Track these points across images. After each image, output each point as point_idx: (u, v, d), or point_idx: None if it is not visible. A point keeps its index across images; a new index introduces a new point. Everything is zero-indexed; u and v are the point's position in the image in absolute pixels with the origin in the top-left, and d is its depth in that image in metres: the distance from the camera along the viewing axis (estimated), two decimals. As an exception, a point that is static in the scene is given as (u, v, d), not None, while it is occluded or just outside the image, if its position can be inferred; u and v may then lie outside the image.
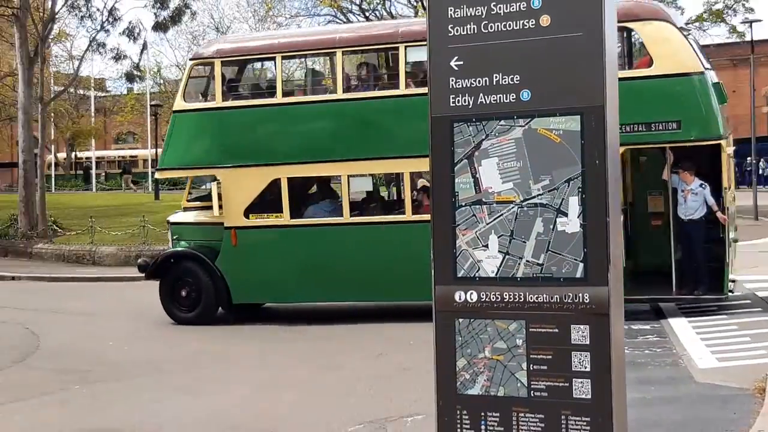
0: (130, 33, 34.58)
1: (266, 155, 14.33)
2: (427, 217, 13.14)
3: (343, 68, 14.09)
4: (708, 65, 13.21)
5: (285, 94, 14.66)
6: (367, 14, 36.01)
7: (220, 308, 14.79)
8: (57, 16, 33.84)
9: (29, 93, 28.98)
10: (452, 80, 4.71)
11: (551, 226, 4.50)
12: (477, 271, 4.62)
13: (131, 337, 14.09)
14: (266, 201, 14.45)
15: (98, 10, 34.46)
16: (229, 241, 14.53)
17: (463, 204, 4.66)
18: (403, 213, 13.91)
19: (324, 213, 14.44)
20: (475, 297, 4.62)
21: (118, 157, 70.65)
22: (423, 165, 13.06)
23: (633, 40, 14.11)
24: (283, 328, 14.34)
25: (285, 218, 14.21)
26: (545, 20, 4.55)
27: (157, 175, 16.58)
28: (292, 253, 14.20)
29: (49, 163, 56.99)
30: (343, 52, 14.03)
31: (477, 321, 4.60)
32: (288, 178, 14.17)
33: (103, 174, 64.55)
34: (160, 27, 34.36)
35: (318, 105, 14.41)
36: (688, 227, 13.31)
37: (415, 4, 34.99)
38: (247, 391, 10.14)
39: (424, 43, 4.81)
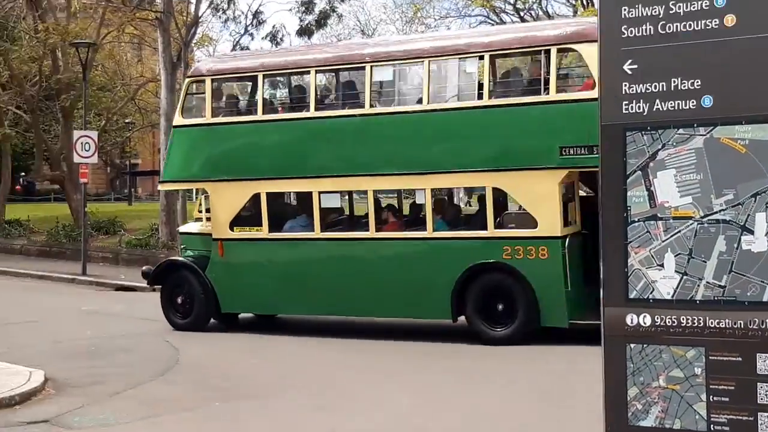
0: (274, 37, 35.62)
1: (247, 170, 15.74)
2: (389, 234, 14.63)
3: (315, 87, 15.37)
4: None
5: (266, 111, 15.93)
6: (521, 14, 35.85)
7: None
8: (200, 20, 35.24)
9: (171, 99, 30.17)
10: (625, 85, 4.66)
11: (735, 245, 4.39)
12: (651, 293, 4.52)
13: (264, 351, 14.43)
14: (249, 214, 15.84)
15: (242, 13, 35.62)
16: (216, 252, 16.11)
17: (636, 219, 4.59)
18: (368, 230, 15.03)
19: (299, 228, 15.63)
20: (648, 320, 4.53)
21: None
22: (385, 183, 14.84)
23: (570, 61, 14.81)
24: (410, 344, 14.68)
25: (264, 232, 15.66)
26: (730, 20, 4.45)
27: (159, 187, 18.09)
28: (271, 266, 15.59)
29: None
30: (315, 71, 15.39)
31: (651, 347, 4.50)
32: (267, 193, 15.56)
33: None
34: (305, 32, 35.21)
35: (292, 122, 15.56)
36: None
37: (573, 2, 34.62)
38: (403, 409, 10.28)
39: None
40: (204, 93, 16.24)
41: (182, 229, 18.17)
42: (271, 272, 15.64)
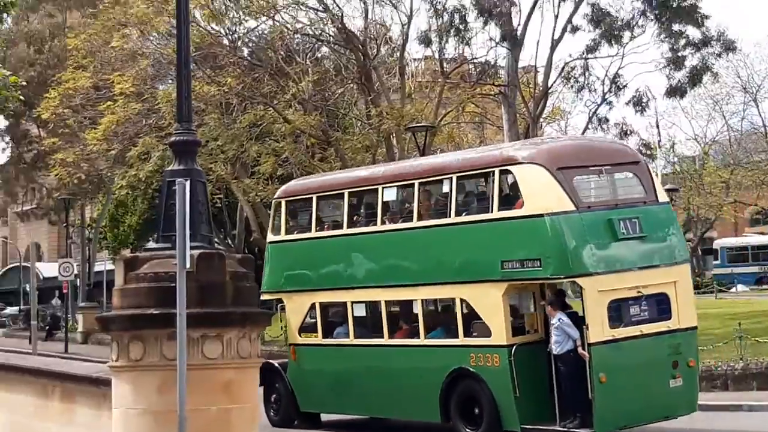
0: (638, 103, 35.15)
1: (307, 282, 20.04)
2: (402, 341, 18.58)
3: (348, 207, 19.58)
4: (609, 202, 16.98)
5: (318, 229, 20.23)
6: None
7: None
8: (550, 91, 35.67)
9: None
10: None
11: None
12: None
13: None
14: (312, 322, 20.01)
15: (598, 78, 35.65)
16: (290, 356, 20.36)
17: None
18: (382, 336, 18.83)
19: (343, 335, 19.49)
20: None
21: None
22: (391, 294, 18.68)
23: (509, 182, 17.22)
24: None
25: (319, 338, 19.78)
26: None
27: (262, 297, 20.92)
28: (326, 368, 19.44)
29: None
30: (348, 193, 19.64)
31: None
32: (320, 302, 19.64)
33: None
34: (674, 92, 34.50)
35: (332, 239, 19.89)
36: (556, 361, 16.44)
37: None
38: None
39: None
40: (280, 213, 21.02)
41: None
42: (327, 374, 19.45)
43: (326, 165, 36.50)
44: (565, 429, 16.21)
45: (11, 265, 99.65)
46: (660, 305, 17.00)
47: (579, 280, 16.33)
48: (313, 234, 20.14)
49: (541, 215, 16.35)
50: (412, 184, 18.50)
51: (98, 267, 66.62)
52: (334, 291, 19.52)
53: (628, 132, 37.73)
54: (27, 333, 46.62)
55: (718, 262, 61.94)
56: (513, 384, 16.51)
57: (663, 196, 17.86)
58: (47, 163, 47.89)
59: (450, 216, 17.68)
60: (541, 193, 16.54)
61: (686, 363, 17.03)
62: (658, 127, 56.02)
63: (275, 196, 21.69)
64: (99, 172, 46.90)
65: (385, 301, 18.76)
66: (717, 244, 63.94)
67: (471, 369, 17.06)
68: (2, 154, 68.67)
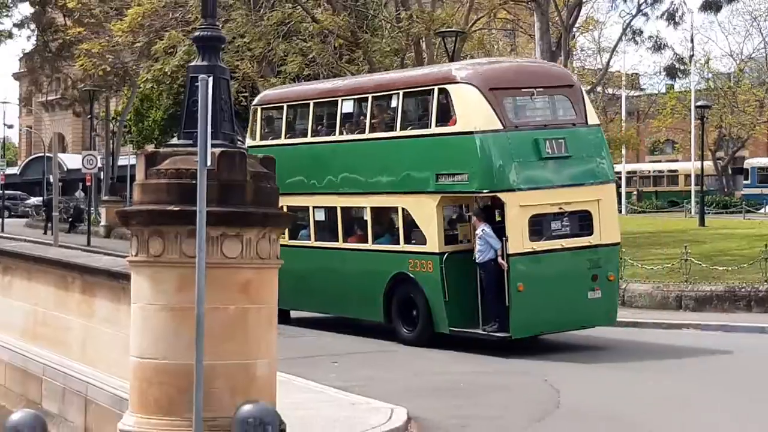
0: (671, 16, 34.72)
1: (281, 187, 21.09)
2: (354, 245, 20.40)
3: (313, 117, 21.36)
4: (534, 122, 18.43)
5: (287, 136, 21.91)
6: None
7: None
8: (584, 1, 35.22)
9: (550, 94, 30.35)
10: None
11: None
12: None
13: (668, 400, 14.12)
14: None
15: (636, -12, 35.07)
16: None
17: None
18: (338, 240, 20.84)
19: (305, 237, 21.37)
20: None
21: (654, 171, 71.51)
22: (347, 201, 20.43)
23: (448, 100, 18.49)
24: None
25: (286, 239, 19.38)
26: None
27: None
28: (292, 268, 17.96)
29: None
30: (314, 103, 21.59)
31: None
32: (287, 206, 18.48)
33: (635, 192, 65.71)
34: (710, 6, 34.00)
35: (301, 147, 21.48)
36: (479, 269, 17.95)
37: None
38: None
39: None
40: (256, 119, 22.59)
41: None
42: (290, 274, 18.64)
43: (354, 67, 36.26)
44: (486, 332, 17.89)
45: (35, 156, 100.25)
46: (582, 221, 18.42)
47: (501, 195, 17.80)
48: (282, 141, 21.76)
49: (470, 132, 17.97)
50: (366, 98, 20.17)
51: (122, 161, 66.90)
52: (299, 196, 20.73)
53: (662, 46, 37.28)
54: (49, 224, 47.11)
55: (748, 182, 61.58)
56: (443, 289, 18.27)
57: (593, 119, 19.31)
58: (72, 53, 47.86)
59: (396, 130, 19.49)
60: (471, 112, 18.11)
61: (606, 277, 18.43)
62: (692, 41, 55.24)
63: (253, 103, 23.09)
64: (124, 65, 46.84)
65: (341, 207, 20.53)
66: (748, 163, 63.52)
67: (410, 274, 18.83)
68: (27, 42, 68.62)
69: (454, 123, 18.26)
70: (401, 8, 33.97)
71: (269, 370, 9.84)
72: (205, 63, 10.07)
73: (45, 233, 49.61)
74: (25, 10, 58.98)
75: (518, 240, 17.49)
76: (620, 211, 55.29)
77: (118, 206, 41.54)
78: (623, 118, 61.19)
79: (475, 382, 15.53)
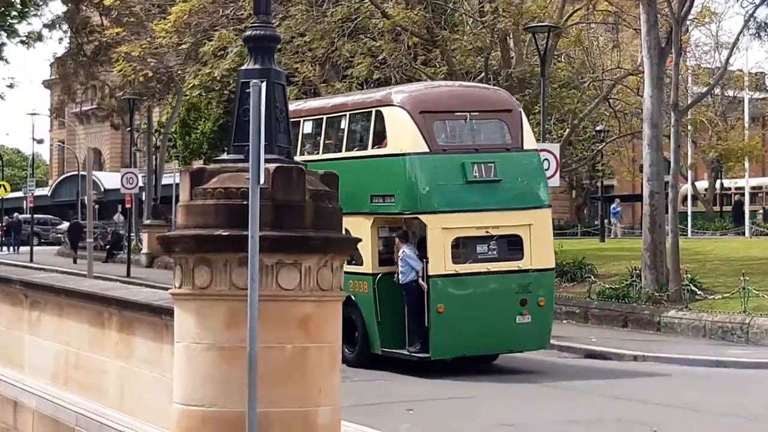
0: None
1: None
2: None
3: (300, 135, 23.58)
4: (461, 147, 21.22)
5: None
6: None
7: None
8: (699, -13, 34.88)
9: (659, 98, 30.05)
10: None
11: None
12: None
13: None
14: None
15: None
16: None
17: None
18: None
19: None
20: None
21: (783, 186, 70.43)
22: None
23: (382, 123, 21.49)
24: None
25: None
26: None
27: None
28: None
29: (685, 196, 58.38)
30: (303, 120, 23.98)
31: None
32: None
33: (761, 211, 64.80)
34: None
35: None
36: (402, 290, 20.77)
37: None
38: None
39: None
40: None
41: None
42: None
43: (430, 69, 36.37)
44: (409, 354, 20.60)
45: (68, 174, 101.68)
46: (511, 246, 21.01)
47: (422, 217, 20.63)
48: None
49: (398, 155, 20.97)
50: (321, 120, 23.59)
51: (166, 179, 67.64)
52: None
53: (791, 40, 36.78)
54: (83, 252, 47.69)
55: None
56: (376, 310, 21.22)
57: (530, 144, 21.85)
58: (110, 57, 48.55)
59: (342, 151, 22.65)
60: (400, 135, 21.14)
61: (537, 302, 20.85)
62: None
63: None
64: (168, 70, 47.47)
65: None
66: None
67: (351, 295, 20.73)
68: (59, 45, 69.63)
69: (386, 145, 21.42)
70: (485, 0, 33.96)
71: (332, 419, 9.88)
72: (257, 66, 10.16)
73: (75, 262, 50.26)
74: (57, 8, 59.99)
75: (440, 262, 20.19)
76: (743, 233, 54.76)
77: (162, 231, 41.95)
78: (746, 124, 60.39)
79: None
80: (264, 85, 9.25)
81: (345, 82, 35.85)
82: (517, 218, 20.85)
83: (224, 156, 10.47)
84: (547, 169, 26.76)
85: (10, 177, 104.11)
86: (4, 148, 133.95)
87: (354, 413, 14.31)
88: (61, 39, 62.18)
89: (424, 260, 20.30)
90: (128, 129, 59.78)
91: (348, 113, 22.73)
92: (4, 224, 70.86)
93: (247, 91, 9.40)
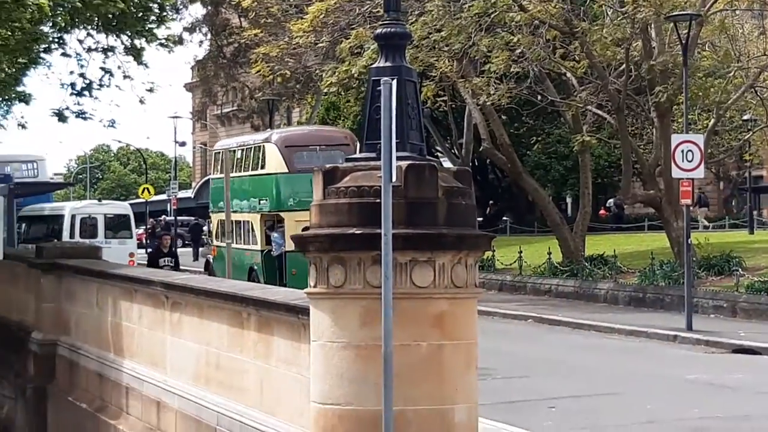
0: None
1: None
2: (240, 246, 40.54)
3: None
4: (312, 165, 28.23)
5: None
6: None
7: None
8: None
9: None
10: None
11: None
12: None
13: None
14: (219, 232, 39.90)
15: None
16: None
17: None
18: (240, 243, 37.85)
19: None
20: None
21: None
22: (238, 216, 37.14)
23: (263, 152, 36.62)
24: None
25: (219, 241, 38.84)
26: None
27: None
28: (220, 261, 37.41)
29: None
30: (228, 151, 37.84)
31: None
32: (218, 220, 39.73)
33: None
34: None
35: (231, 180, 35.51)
36: (276, 259, 34.99)
37: None
38: None
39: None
40: None
41: None
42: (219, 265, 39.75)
43: (569, 62, 36.11)
44: None
45: (210, 176, 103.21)
46: None
47: (282, 214, 34.47)
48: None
49: (270, 174, 35.59)
50: (236, 150, 39.05)
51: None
52: (221, 213, 35.54)
53: None
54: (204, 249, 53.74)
55: None
56: (263, 274, 34.78)
57: None
58: (249, 59, 49.21)
59: (246, 170, 37.93)
60: (272, 161, 35.60)
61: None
62: None
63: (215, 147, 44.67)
64: (306, 69, 47.90)
65: (234, 221, 34.49)
66: None
67: (254, 264, 36.07)
68: (199, 47, 70.73)
69: (264, 167, 36.06)
70: (625, -10, 33.56)
71: (468, 417, 9.91)
72: (388, 64, 10.24)
73: (195, 260, 53.91)
74: (197, 11, 60.76)
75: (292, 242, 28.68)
76: None
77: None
78: None
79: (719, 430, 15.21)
80: (395, 83, 9.31)
81: (483, 76, 35.79)
82: None
83: (357, 155, 10.56)
84: (691, 161, 26.42)
85: (154, 180, 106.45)
86: (148, 151, 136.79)
87: (495, 411, 14.31)
88: (201, 42, 63.14)
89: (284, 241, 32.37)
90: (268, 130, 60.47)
91: (252, 146, 38.13)
92: (148, 227, 72.25)
93: (378, 89, 9.47)
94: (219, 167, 40.82)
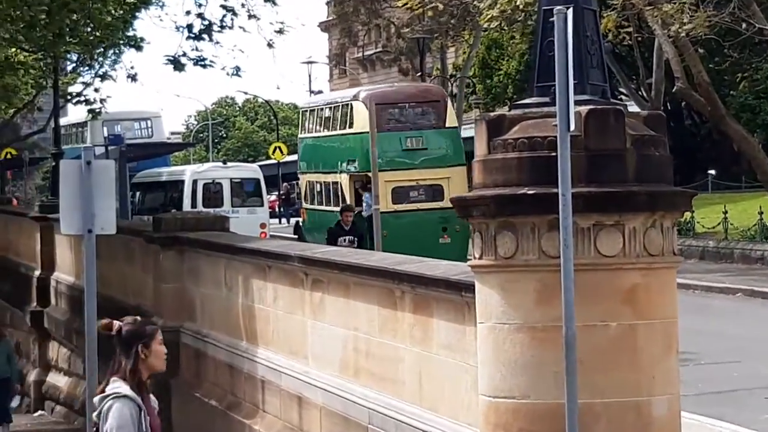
0: None
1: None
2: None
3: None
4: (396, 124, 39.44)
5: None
6: None
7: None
8: None
9: None
10: None
11: None
12: None
13: None
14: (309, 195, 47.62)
15: None
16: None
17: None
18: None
19: (318, 203, 45.20)
20: None
21: None
22: (327, 177, 43.97)
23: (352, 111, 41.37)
24: None
25: (313, 204, 46.53)
26: None
27: None
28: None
29: None
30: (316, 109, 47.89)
31: None
32: (307, 181, 47.39)
33: None
34: None
35: (318, 139, 46.86)
36: (366, 220, 35.72)
37: None
38: None
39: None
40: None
41: None
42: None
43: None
44: None
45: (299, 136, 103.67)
46: (435, 191, 38.18)
47: (366, 174, 36.61)
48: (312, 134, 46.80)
49: (358, 133, 38.25)
50: (323, 108, 45.13)
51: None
52: (310, 173, 45.20)
53: None
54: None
55: None
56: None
57: (451, 123, 40.48)
58: (394, -9, 49.24)
59: (335, 129, 42.67)
60: (361, 120, 38.04)
61: (454, 229, 36.31)
62: None
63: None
64: (462, 1, 47.70)
65: (322, 182, 43.30)
66: None
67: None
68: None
69: (353, 126, 39.87)
70: None
71: (669, 410, 9.81)
72: (562, -10, 10.10)
73: (280, 222, 62.05)
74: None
75: (384, 203, 32.68)
76: None
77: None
78: None
79: None
80: (571, 12, 9.19)
81: (675, 2, 35.28)
82: (439, 173, 38.45)
83: (527, 100, 10.47)
84: None
85: (287, 137, 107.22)
86: (279, 104, 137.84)
87: (700, 403, 14.19)
88: (337, -27, 63.37)
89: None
90: (419, 74, 60.55)
91: (340, 104, 42.84)
92: (282, 193, 72.98)
93: (551, 20, 9.36)
94: (306, 126, 47.41)
